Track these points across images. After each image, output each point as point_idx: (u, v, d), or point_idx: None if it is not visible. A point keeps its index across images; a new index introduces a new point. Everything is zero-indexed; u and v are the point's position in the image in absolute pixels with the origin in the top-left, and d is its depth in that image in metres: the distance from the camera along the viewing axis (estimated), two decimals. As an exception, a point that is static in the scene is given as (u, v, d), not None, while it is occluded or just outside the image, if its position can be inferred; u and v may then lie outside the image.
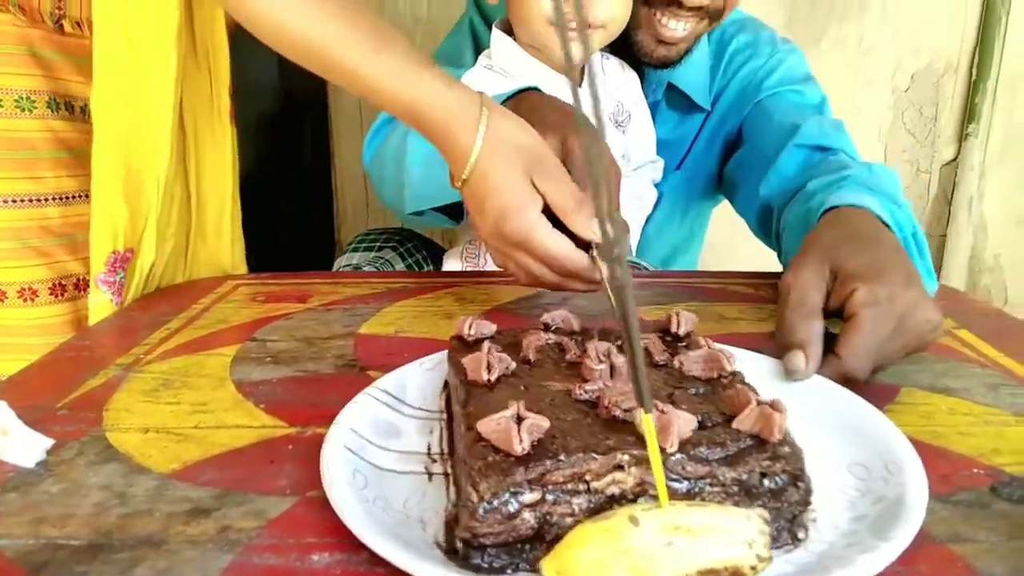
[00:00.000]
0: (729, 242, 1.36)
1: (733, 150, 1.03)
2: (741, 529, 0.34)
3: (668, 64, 0.97)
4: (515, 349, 0.48)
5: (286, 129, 1.71)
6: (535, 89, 0.77)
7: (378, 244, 1.14)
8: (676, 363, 0.47)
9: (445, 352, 0.53)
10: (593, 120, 0.32)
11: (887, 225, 0.65)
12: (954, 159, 1.80)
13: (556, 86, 0.84)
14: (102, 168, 0.76)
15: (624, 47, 0.96)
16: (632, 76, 0.99)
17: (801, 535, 0.39)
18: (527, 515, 0.36)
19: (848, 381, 0.54)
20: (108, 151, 0.76)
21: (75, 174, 0.83)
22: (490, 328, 0.51)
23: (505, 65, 0.91)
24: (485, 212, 0.61)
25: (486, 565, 0.35)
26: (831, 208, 0.68)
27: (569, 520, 0.36)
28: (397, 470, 0.44)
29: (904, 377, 0.59)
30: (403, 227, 1.17)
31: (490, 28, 1.01)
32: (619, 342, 0.48)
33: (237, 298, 0.78)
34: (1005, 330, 0.70)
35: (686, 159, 1.08)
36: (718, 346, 0.48)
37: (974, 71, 1.74)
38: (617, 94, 0.96)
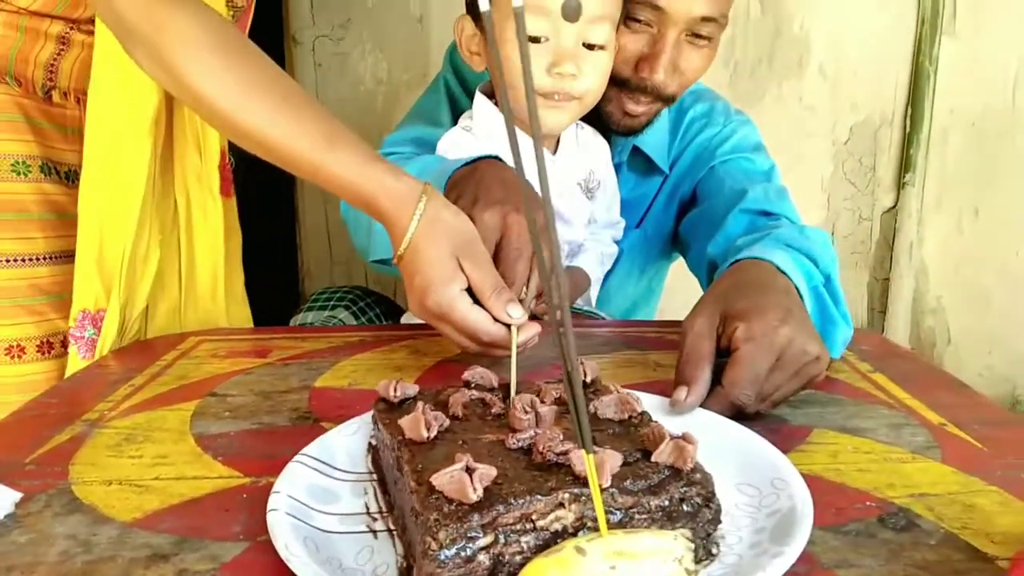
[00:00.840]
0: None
1: (687, 210, 1.10)
2: (671, 548, 0.39)
3: (632, 132, 1.05)
4: (442, 406, 0.51)
5: (252, 185, 1.75)
6: (496, 158, 0.83)
7: (331, 303, 1.18)
8: (591, 408, 0.51)
9: (366, 415, 0.56)
10: (540, 191, 0.37)
11: (787, 274, 0.71)
12: (894, 206, 1.90)
13: (531, 154, 0.89)
14: (83, 235, 0.81)
15: (594, 116, 1.02)
16: (603, 144, 1.05)
17: (715, 550, 0.44)
18: (482, 557, 0.40)
19: (737, 410, 0.61)
20: (88, 219, 0.81)
21: (63, 235, 0.88)
22: (413, 389, 0.55)
23: (485, 128, 0.95)
24: (414, 286, 0.68)
25: None
26: (737, 260, 0.74)
27: (519, 558, 0.40)
28: (341, 531, 0.47)
29: (817, 419, 0.64)
30: (357, 286, 1.21)
31: (464, 88, 1.07)
32: (539, 393, 0.53)
33: (199, 354, 0.82)
34: (916, 373, 0.76)
35: (645, 218, 1.15)
36: (625, 391, 0.53)
37: (907, 124, 1.84)
38: (590, 162, 1.02)
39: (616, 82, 0.97)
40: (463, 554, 0.39)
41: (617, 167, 1.08)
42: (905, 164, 1.86)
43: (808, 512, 0.45)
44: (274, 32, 1.78)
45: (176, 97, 0.74)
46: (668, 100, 1.01)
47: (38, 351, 0.88)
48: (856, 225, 1.91)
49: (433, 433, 0.48)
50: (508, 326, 0.66)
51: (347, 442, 0.56)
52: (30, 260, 0.87)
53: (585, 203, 1.01)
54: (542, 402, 0.50)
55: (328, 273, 1.93)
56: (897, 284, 1.91)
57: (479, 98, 0.97)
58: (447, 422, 0.49)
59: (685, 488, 0.43)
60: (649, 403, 0.55)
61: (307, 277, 1.94)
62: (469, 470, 0.41)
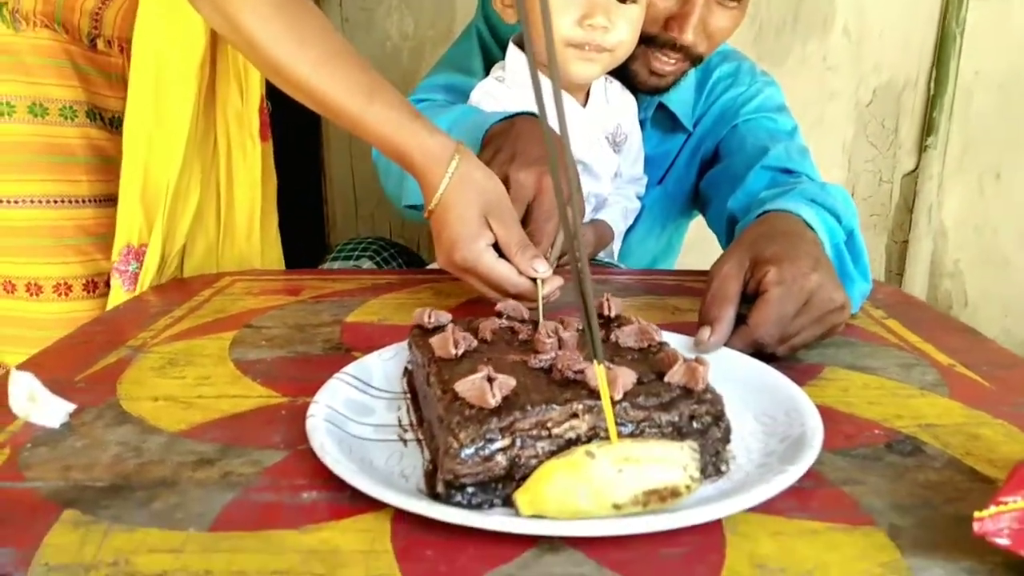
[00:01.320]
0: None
1: (709, 168, 1.12)
2: (677, 457, 0.42)
3: (658, 91, 1.06)
4: (472, 332, 0.55)
5: (280, 140, 1.78)
6: (531, 114, 0.85)
7: (356, 253, 1.21)
8: (612, 337, 0.54)
9: (402, 343, 0.60)
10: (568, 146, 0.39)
11: (812, 229, 0.73)
12: (914, 169, 1.89)
13: (564, 106, 0.91)
14: (127, 172, 0.84)
15: (620, 74, 1.04)
16: (631, 99, 1.05)
17: (723, 468, 0.47)
18: (500, 458, 0.43)
19: (759, 349, 0.63)
20: (132, 158, 0.84)
21: (107, 179, 0.92)
22: (446, 317, 0.58)
23: (517, 79, 0.97)
24: (442, 241, 0.71)
25: (466, 503, 0.42)
26: (765, 212, 0.76)
27: (534, 461, 0.43)
28: (375, 439, 0.51)
29: (830, 357, 0.66)
30: (381, 237, 1.24)
31: (496, 38, 1.08)
32: (563, 323, 0.55)
33: (234, 291, 0.85)
34: (928, 320, 0.78)
35: (667, 175, 1.16)
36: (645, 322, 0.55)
37: (932, 86, 1.83)
38: (618, 116, 1.03)
39: (644, 39, 0.97)
40: (482, 453, 0.42)
41: (641, 123, 1.09)
42: (927, 127, 1.85)
43: (818, 437, 0.47)
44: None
45: (230, 42, 0.76)
46: (696, 60, 1.02)
47: (84, 289, 0.93)
48: (876, 187, 1.91)
49: (460, 351, 0.51)
50: (534, 281, 0.69)
51: (384, 365, 0.59)
52: (76, 202, 0.91)
53: (612, 156, 1.03)
54: (565, 330, 0.53)
55: (354, 226, 1.96)
56: (915, 247, 1.91)
57: (512, 49, 0.98)
58: (475, 343, 0.52)
59: (695, 406, 0.46)
60: (670, 342, 0.57)
61: (333, 230, 1.97)
62: (490, 379, 0.44)
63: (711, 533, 0.41)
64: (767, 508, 0.42)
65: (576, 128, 0.95)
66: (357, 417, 0.52)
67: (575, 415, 0.44)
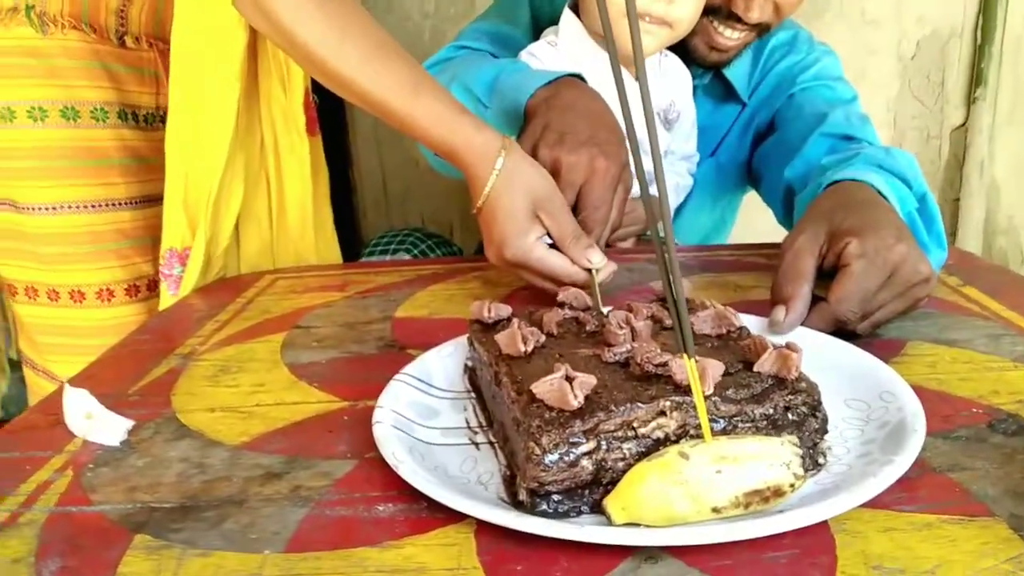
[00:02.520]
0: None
1: (763, 140, 1.07)
2: (778, 453, 0.39)
3: (718, 67, 1.02)
4: (536, 325, 0.52)
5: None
6: (578, 76, 0.81)
7: (392, 247, 1.19)
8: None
9: (461, 338, 0.58)
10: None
11: (885, 197, 0.69)
12: (963, 123, 1.82)
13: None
14: (170, 177, 0.83)
15: (677, 49, 0.99)
16: (686, 74, 1.01)
17: (821, 460, 0.44)
18: (585, 462, 0.40)
19: (840, 327, 0.59)
20: (174, 161, 0.82)
21: (143, 179, 0.91)
22: (506, 310, 0.55)
23: (569, 47, 0.93)
24: (492, 237, 0.70)
25: (551, 511, 0.40)
26: (835, 182, 0.72)
27: (622, 464, 0.40)
28: (445, 443, 0.48)
29: (911, 332, 0.63)
30: (416, 228, 1.22)
31: (551, 2, 1.04)
32: (632, 311, 0.52)
33: (277, 290, 0.83)
34: (1007, 285, 0.74)
35: (720, 147, 1.12)
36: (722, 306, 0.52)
37: (979, 35, 1.75)
38: (672, 92, 0.99)
39: (707, 10, 0.93)
40: (566, 459, 0.39)
41: (693, 91, 1.05)
42: (976, 78, 1.77)
43: (920, 423, 0.44)
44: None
45: (272, 42, 0.76)
46: (763, 31, 0.98)
47: (126, 294, 0.92)
48: (924, 144, 1.84)
49: (530, 347, 0.48)
50: (588, 271, 0.68)
51: (444, 363, 0.57)
52: (113, 205, 0.90)
53: (663, 134, 0.99)
54: (636, 319, 0.50)
55: (385, 214, 1.94)
56: (967, 204, 1.84)
57: (567, 14, 0.94)
58: (543, 338, 0.50)
59: (790, 396, 0.43)
60: (745, 322, 0.54)
61: (363, 219, 1.95)
62: (569, 378, 0.41)
63: (818, 533, 0.38)
64: (873, 500, 0.39)
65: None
66: (423, 421, 0.50)
67: (662, 413, 0.41)
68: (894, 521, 0.39)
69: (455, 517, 0.40)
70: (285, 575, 0.37)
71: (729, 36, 0.96)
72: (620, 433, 0.41)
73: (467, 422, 0.51)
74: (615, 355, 0.47)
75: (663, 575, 0.36)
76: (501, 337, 0.49)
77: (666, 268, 0.40)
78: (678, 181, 1.03)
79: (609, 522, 0.38)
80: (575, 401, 0.40)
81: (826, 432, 0.45)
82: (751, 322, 0.60)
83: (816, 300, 0.61)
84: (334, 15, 0.70)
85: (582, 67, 0.84)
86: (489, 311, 0.54)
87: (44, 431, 0.53)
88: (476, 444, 0.48)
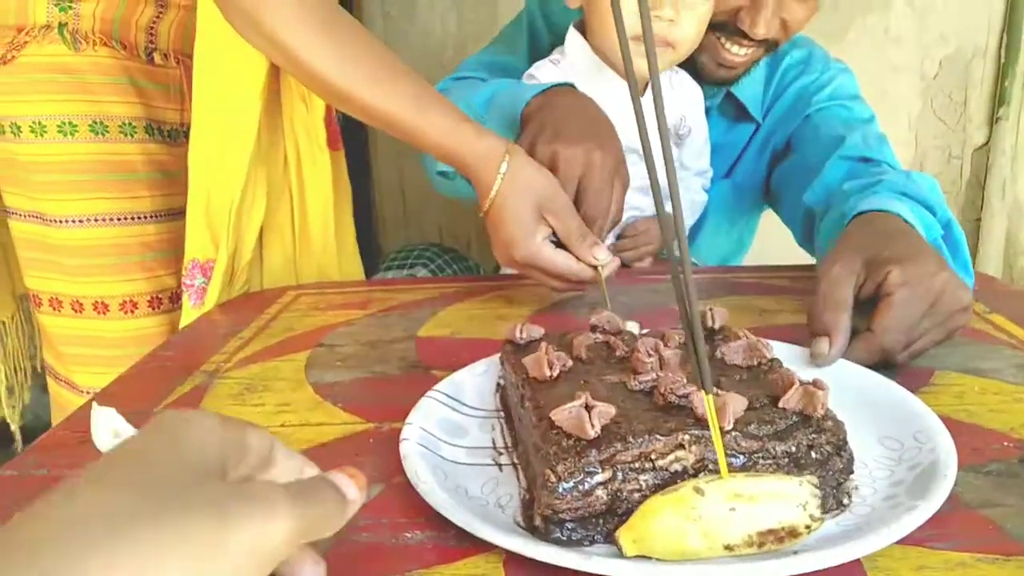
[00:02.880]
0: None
1: (780, 160, 1.07)
2: (795, 494, 0.38)
3: (726, 83, 1.02)
4: (566, 349, 0.52)
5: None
6: (570, 86, 0.83)
7: (409, 262, 1.20)
8: (718, 354, 0.50)
9: (494, 357, 0.58)
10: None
11: (912, 226, 0.68)
12: (986, 143, 1.81)
13: (620, 96, 0.88)
14: (193, 190, 0.84)
15: (685, 64, 0.99)
16: (697, 90, 1.01)
17: (846, 501, 0.43)
18: (600, 492, 0.40)
19: (884, 358, 0.58)
20: (197, 174, 0.84)
21: (168, 193, 0.92)
22: (538, 331, 0.55)
23: (574, 64, 0.94)
24: (500, 240, 0.73)
25: (565, 538, 0.40)
26: (862, 212, 0.71)
27: (637, 496, 0.40)
28: (469, 463, 0.48)
29: (938, 360, 0.62)
30: (433, 244, 1.22)
31: (548, 23, 1.05)
32: (663, 338, 0.52)
33: (300, 307, 0.83)
34: (1035, 312, 0.73)
35: (735, 167, 1.12)
36: (755, 337, 0.52)
37: (1003, 54, 1.74)
38: (682, 108, 0.99)
39: (713, 25, 0.93)
40: (581, 488, 0.39)
41: (707, 111, 1.05)
42: (999, 98, 1.76)
43: (951, 469, 0.42)
44: (343, -18, 1.77)
45: (279, 64, 0.77)
46: (771, 47, 0.97)
47: (149, 306, 0.93)
48: (945, 164, 1.83)
49: (555, 372, 0.48)
50: (595, 268, 0.71)
51: (476, 381, 0.57)
52: (139, 218, 0.92)
53: (674, 150, 0.99)
54: (666, 346, 0.50)
55: (403, 227, 1.95)
56: (988, 224, 1.83)
57: (572, 34, 0.95)
58: (570, 363, 0.50)
59: (814, 435, 0.42)
60: (778, 351, 0.53)
61: (382, 232, 1.96)
62: (588, 407, 0.41)
63: (849, 572, 0.38)
64: (904, 538, 0.38)
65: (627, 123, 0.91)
66: (450, 439, 0.50)
67: (681, 446, 0.41)
68: (927, 559, 0.39)
69: (484, 547, 0.40)
70: (313, 603, 0.37)
71: (736, 52, 0.96)
72: (637, 464, 0.40)
73: (493, 442, 0.51)
74: (640, 383, 0.46)
75: (694, 612, 0.36)
76: (528, 360, 0.49)
77: (683, 298, 0.40)
78: (693, 198, 1.03)
79: (620, 554, 0.38)
80: (592, 431, 0.40)
81: (851, 472, 0.44)
82: (782, 351, 0.59)
83: (854, 331, 0.60)
84: (335, 37, 0.72)
85: (588, 86, 0.85)
86: (521, 332, 0.55)
87: (72, 448, 0.54)
88: (500, 465, 0.48)
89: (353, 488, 0.32)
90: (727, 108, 1.07)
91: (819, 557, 0.36)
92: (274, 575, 0.28)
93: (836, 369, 0.57)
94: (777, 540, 0.37)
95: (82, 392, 0.95)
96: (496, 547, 0.39)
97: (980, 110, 1.80)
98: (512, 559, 0.39)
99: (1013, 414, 0.53)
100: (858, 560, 0.38)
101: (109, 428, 0.53)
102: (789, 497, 0.38)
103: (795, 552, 0.37)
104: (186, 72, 0.95)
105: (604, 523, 0.40)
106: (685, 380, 0.44)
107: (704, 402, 0.40)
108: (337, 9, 0.74)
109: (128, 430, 0.53)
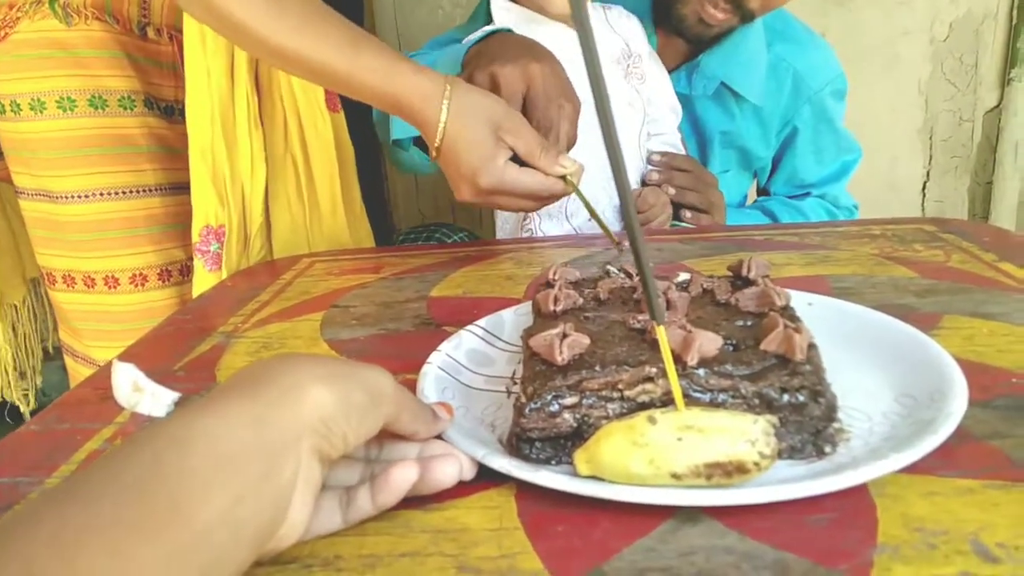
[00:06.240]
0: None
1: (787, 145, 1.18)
2: (746, 430, 0.38)
3: (701, 41, 1.04)
4: (591, 288, 0.54)
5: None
6: (506, 30, 0.84)
7: (420, 241, 1.22)
8: (732, 300, 0.51)
9: None
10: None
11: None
12: (997, 106, 1.80)
13: (558, 38, 0.89)
14: (194, 156, 0.84)
15: (666, 19, 1.02)
16: (636, 23, 1.02)
17: (827, 449, 0.42)
18: (567, 415, 0.42)
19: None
20: (197, 142, 0.84)
21: (170, 167, 0.92)
22: (573, 274, 0.57)
23: (505, 25, 0.94)
24: (461, 172, 0.70)
25: (533, 456, 0.42)
26: None
27: (604, 422, 0.41)
28: (483, 389, 0.51)
29: (947, 306, 0.63)
30: (444, 223, 1.24)
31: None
32: (678, 281, 0.53)
33: (315, 273, 0.84)
34: (1045, 260, 0.73)
35: (749, 156, 1.18)
36: (773, 286, 0.51)
37: (1014, 15, 1.72)
38: (623, 39, 0.99)
39: None
40: (548, 409, 0.41)
41: (703, 100, 1.08)
42: (1011, 59, 1.74)
43: (944, 429, 0.40)
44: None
45: (215, 30, 0.75)
46: (746, 17, 0.99)
47: (159, 279, 0.93)
48: (956, 127, 1.82)
49: (559, 307, 0.50)
50: (564, 179, 0.70)
51: (518, 320, 0.59)
52: (144, 191, 0.92)
53: (622, 84, 0.98)
54: (684, 291, 0.50)
55: (415, 203, 1.95)
56: (1000, 187, 1.81)
57: (494, 2, 0.95)
58: (580, 300, 0.51)
59: (787, 377, 0.42)
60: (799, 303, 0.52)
61: (395, 208, 1.97)
62: (564, 336, 0.43)
63: (857, 497, 0.38)
64: (912, 467, 0.39)
65: (574, 56, 0.92)
66: (475, 367, 0.52)
67: (649, 379, 0.42)
68: (935, 486, 0.39)
69: (498, 480, 0.41)
70: (331, 537, 0.38)
71: (714, 13, 0.98)
72: (604, 393, 0.42)
73: (513, 373, 0.53)
74: (638, 322, 0.47)
75: (703, 536, 0.36)
76: (540, 296, 0.51)
77: (632, 227, 0.38)
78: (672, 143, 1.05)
79: (574, 473, 0.39)
80: (560, 358, 0.42)
81: (832, 420, 0.42)
82: (826, 307, 0.57)
83: None
84: None
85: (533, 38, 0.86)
86: (555, 274, 0.56)
87: (93, 404, 0.55)
88: (508, 392, 0.50)
89: (442, 411, 0.43)
90: (721, 96, 1.11)
91: (852, 476, 0.37)
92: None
93: (873, 325, 0.55)
94: (725, 474, 0.37)
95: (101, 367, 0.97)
96: (508, 480, 0.40)
97: (991, 72, 1.78)
98: (524, 492, 0.40)
99: (1020, 353, 0.53)
100: (865, 486, 0.39)
101: (130, 382, 0.54)
102: (738, 432, 0.38)
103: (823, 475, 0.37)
104: (178, 48, 0.94)
105: (572, 445, 0.42)
106: (684, 321, 0.45)
107: (658, 335, 0.40)
108: None
109: (148, 384, 0.54)
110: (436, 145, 0.70)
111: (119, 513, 0.27)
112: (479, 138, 0.68)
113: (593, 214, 0.67)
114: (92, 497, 0.27)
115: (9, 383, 1.18)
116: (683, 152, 1.06)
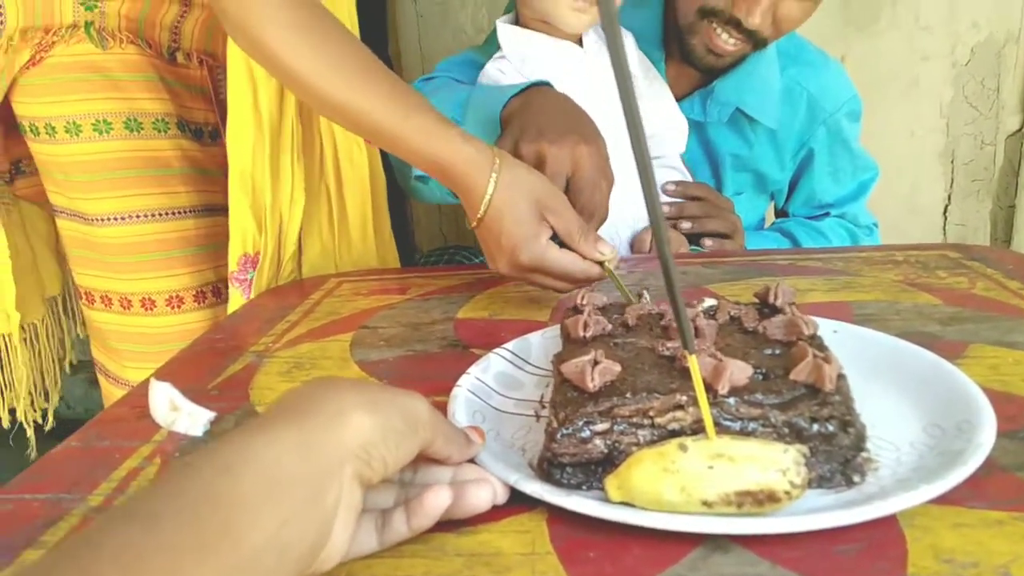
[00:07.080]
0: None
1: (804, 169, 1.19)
2: (776, 459, 0.39)
3: (713, 71, 1.05)
4: (619, 314, 0.54)
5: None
6: (545, 84, 0.84)
7: (443, 261, 1.23)
8: (760, 328, 0.51)
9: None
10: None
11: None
12: (1019, 130, 1.79)
13: (565, 56, 0.90)
14: (233, 184, 0.85)
15: (677, 48, 1.03)
16: (630, 39, 1.02)
17: (856, 479, 0.42)
18: (598, 441, 0.42)
19: None
20: (237, 170, 0.85)
21: (203, 190, 0.93)
22: (601, 299, 0.58)
23: (516, 52, 0.95)
24: (501, 246, 0.69)
25: (564, 480, 0.43)
26: None
27: (634, 448, 0.42)
28: (513, 412, 0.52)
29: (973, 334, 0.63)
30: (465, 245, 1.25)
31: None
32: (705, 308, 0.53)
33: (343, 293, 0.86)
34: (1071, 289, 0.73)
35: (765, 180, 1.19)
36: (800, 314, 0.52)
37: (1036, 39, 1.73)
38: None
39: (707, 11, 0.96)
40: (579, 435, 0.42)
41: (717, 127, 1.10)
42: (1033, 83, 1.75)
43: (973, 461, 0.41)
44: (376, -17, 1.80)
45: (263, 68, 0.75)
46: (759, 44, 1.00)
47: (194, 300, 0.94)
48: (978, 151, 1.81)
49: (589, 333, 0.51)
50: (601, 264, 0.69)
51: (545, 344, 0.60)
52: (177, 213, 0.92)
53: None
54: (712, 318, 0.51)
55: (437, 223, 1.97)
56: (1023, 212, 1.81)
57: (500, 27, 0.96)
58: (609, 327, 0.52)
59: (817, 407, 0.42)
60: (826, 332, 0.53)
61: (417, 227, 1.99)
62: (595, 363, 0.44)
63: (886, 527, 0.39)
64: (942, 499, 0.39)
65: (579, 73, 0.93)
66: (504, 391, 0.53)
67: (680, 407, 0.42)
68: (964, 517, 0.39)
69: (530, 505, 0.41)
70: (367, 559, 0.39)
71: (726, 41, 0.98)
72: (635, 420, 0.42)
73: (541, 397, 0.54)
74: (667, 349, 0.48)
75: (733, 564, 0.37)
76: (570, 322, 0.52)
77: (664, 257, 0.38)
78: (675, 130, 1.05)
79: (605, 498, 0.40)
80: (592, 384, 0.43)
81: (861, 450, 0.43)
82: (851, 335, 0.58)
83: None
84: (321, 43, 0.69)
85: (541, 64, 0.88)
86: (583, 299, 0.57)
87: (131, 422, 0.56)
88: (538, 416, 0.51)
89: (474, 435, 0.44)
90: (737, 121, 1.11)
91: (881, 506, 0.37)
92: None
93: (900, 353, 0.55)
94: (756, 503, 0.38)
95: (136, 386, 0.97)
96: (539, 505, 0.41)
97: (1013, 96, 1.78)
98: (556, 516, 0.41)
99: (1048, 384, 0.54)
100: (894, 517, 0.39)
101: (167, 401, 0.56)
102: (769, 461, 0.38)
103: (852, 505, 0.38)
104: (209, 72, 0.96)
105: (602, 471, 0.42)
106: (713, 349, 0.45)
107: (690, 364, 0.41)
108: (320, 11, 0.71)
109: (185, 403, 0.56)
110: (479, 216, 0.69)
111: (176, 536, 0.28)
112: (524, 216, 0.68)
113: (622, 290, 0.67)
114: (152, 520, 0.28)
115: (32, 403, 1.17)
116: (687, 174, 1.06)
